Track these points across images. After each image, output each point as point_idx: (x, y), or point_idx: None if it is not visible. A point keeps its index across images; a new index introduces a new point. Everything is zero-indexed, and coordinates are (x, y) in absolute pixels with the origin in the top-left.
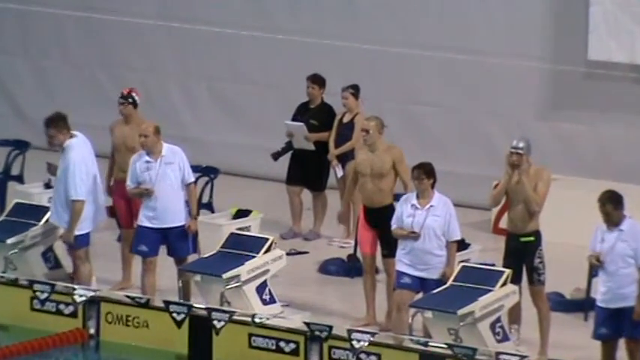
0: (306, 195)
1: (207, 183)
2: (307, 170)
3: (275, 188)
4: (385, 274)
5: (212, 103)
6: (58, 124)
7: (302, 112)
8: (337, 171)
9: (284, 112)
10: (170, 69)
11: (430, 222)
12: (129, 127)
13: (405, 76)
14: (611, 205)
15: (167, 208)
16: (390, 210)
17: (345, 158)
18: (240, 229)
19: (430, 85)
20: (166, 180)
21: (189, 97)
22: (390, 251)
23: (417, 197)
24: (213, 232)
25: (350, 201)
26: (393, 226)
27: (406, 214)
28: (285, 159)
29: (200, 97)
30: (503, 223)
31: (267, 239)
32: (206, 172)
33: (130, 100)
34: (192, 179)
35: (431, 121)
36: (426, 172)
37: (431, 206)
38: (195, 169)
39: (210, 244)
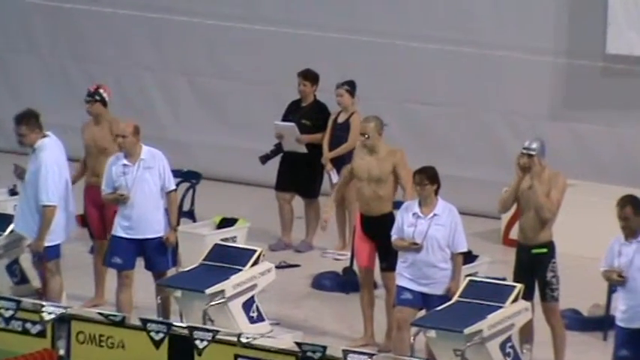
0: (298, 202)
1: (188, 189)
2: (299, 175)
3: (263, 195)
4: (384, 290)
5: (194, 101)
6: (30, 121)
7: (293, 111)
8: (332, 176)
9: (273, 110)
10: (148, 63)
11: (433, 232)
12: (99, 127)
13: (406, 71)
14: (632, 209)
15: (144, 217)
16: (389, 219)
17: (340, 162)
18: (224, 239)
19: (433, 81)
20: (144, 186)
21: (168, 94)
22: (389, 264)
23: (419, 205)
24: (195, 243)
25: (337, 201)
26: (393, 236)
27: (407, 223)
28: (275, 162)
29: (181, 95)
30: (514, 234)
31: (255, 251)
32: (187, 177)
33: (98, 97)
34: (174, 187)
35: (434, 121)
36: (428, 176)
37: (434, 215)
38: (175, 173)
39: (191, 257)
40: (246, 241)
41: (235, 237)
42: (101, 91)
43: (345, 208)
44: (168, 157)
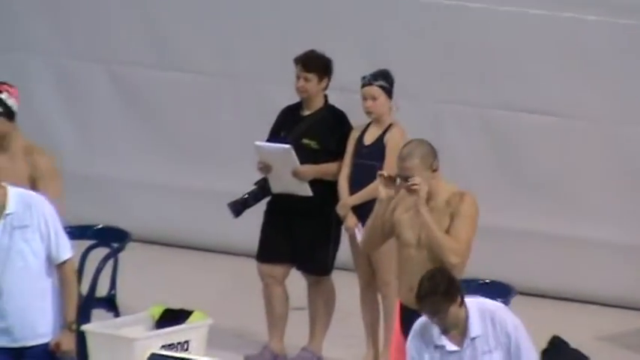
0: (296, 282)
1: (105, 259)
2: (297, 236)
3: (236, 269)
4: None
5: (117, 106)
6: None
7: (288, 124)
8: (357, 235)
9: (252, 123)
10: (40, 44)
11: None
12: (6, 157)
13: (485, 56)
14: None
15: (22, 313)
16: None
17: (368, 211)
18: (169, 346)
19: (537, 74)
20: (17, 260)
21: (74, 94)
22: None
23: (442, 330)
24: (119, 353)
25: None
26: None
27: None
28: (257, 214)
29: (95, 95)
30: None
31: None
32: (104, 238)
33: (1, 108)
34: (68, 254)
35: (538, 141)
36: (445, 298)
37: (472, 339)
38: (80, 232)
39: None
40: (205, 348)
41: (187, 342)
42: (4, 95)
43: (376, 291)
44: (70, 204)
